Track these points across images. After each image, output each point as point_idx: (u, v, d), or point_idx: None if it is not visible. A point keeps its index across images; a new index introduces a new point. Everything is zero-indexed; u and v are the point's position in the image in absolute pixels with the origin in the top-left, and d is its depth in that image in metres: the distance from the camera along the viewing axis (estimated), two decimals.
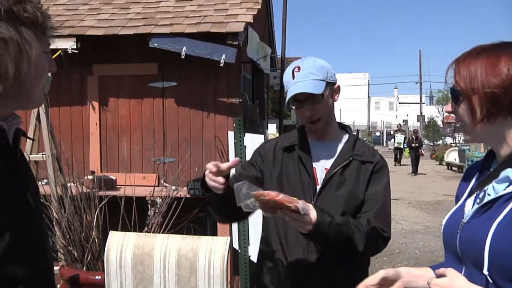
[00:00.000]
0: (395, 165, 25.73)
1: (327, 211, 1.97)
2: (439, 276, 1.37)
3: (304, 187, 2.19)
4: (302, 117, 2.24)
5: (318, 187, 2.18)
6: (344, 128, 2.37)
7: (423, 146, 25.75)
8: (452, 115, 1.50)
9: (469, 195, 1.50)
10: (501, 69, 1.33)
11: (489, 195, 1.38)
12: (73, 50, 5.34)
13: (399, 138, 26.48)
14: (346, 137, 2.30)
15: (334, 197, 2.14)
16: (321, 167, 2.22)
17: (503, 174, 1.36)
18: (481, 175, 1.52)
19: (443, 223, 1.56)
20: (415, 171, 22.18)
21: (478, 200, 1.43)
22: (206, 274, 2.75)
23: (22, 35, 1.30)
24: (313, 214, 1.86)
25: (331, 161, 2.21)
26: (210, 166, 1.92)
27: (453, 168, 24.62)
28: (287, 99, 2.18)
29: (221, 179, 1.91)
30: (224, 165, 1.92)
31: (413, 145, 22.82)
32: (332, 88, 2.21)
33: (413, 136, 23.75)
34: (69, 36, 5.40)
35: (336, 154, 2.23)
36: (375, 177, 2.19)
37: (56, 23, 1.47)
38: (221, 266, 2.74)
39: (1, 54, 1.26)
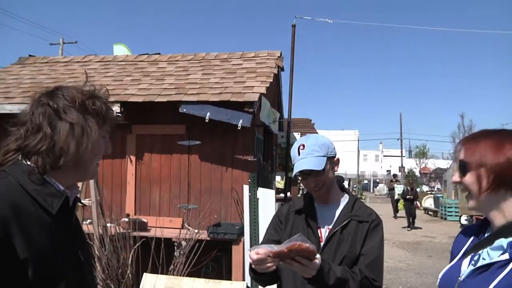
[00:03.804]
0: (395, 217, 21.09)
1: (327, 260, 1.96)
2: None
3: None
4: (307, 187, 2.24)
5: (322, 243, 2.16)
6: (344, 190, 2.36)
7: (418, 199, 20.40)
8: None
9: (464, 255, 1.48)
10: (507, 151, 1.37)
11: (484, 259, 1.37)
12: (117, 114, 5.41)
13: (399, 189, 21.21)
14: (346, 198, 2.29)
15: (335, 252, 2.13)
16: (325, 227, 2.21)
17: (497, 242, 1.35)
18: (476, 238, 1.51)
19: (439, 276, 1.52)
20: (410, 224, 17.38)
21: (473, 262, 1.41)
22: None
23: (87, 121, 1.40)
24: (318, 260, 1.85)
25: (333, 221, 2.20)
26: (255, 256, 1.79)
27: (429, 212, 24.30)
28: (294, 172, 2.18)
29: (269, 263, 1.82)
30: (262, 251, 1.82)
31: (407, 196, 18.15)
32: (332, 161, 2.21)
33: (408, 188, 18.89)
34: (115, 101, 5.50)
35: (337, 215, 2.22)
36: (370, 234, 2.17)
37: (112, 107, 1.54)
38: None
39: (67, 134, 1.36)
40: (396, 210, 21.92)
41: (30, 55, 8.26)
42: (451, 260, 1.55)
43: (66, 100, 1.39)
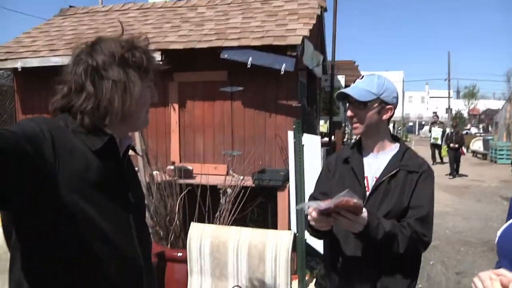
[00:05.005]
0: (432, 163, 17.46)
1: (375, 214, 1.89)
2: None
3: (356, 193, 2.09)
4: (347, 116, 2.16)
5: (368, 193, 2.07)
6: (397, 139, 2.23)
7: (464, 144, 16.73)
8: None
9: None
10: None
11: None
12: (158, 61, 5.32)
13: (436, 132, 18.01)
14: (397, 148, 2.16)
15: (382, 203, 2.03)
16: (372, 176, 2.11)
17: None
18: None
19: (498, 233, 1.41)
20: (453, 172, 15.38)
21: None
22: (273, 263, 2.67)
23: (128, 76, 1.38)
24: (364, 215, 1.80)
25: (381, 171, 2.09)
26: (314, 215, 1.80)
27: (478, 155, 23.64)
28: (336, 93, 2.14)
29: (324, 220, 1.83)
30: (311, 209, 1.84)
31: (451, 145, 15.40)
32: (383, 107, 2.08)
33: (452, 131, 16.01)
34: (155, 50, 5.40)
35: (385, 165, 2.10)
36: (420, 186, 2.04)
37: (153, 54, 1.53)
38: (286, 257, 2.65)
39: (111, 93, 1.34)
40: (433, 157, 18.65)
41: (70, 6, 8.22)
42: (509, 217, 1.41)
43: (105, 56, 1.36)
